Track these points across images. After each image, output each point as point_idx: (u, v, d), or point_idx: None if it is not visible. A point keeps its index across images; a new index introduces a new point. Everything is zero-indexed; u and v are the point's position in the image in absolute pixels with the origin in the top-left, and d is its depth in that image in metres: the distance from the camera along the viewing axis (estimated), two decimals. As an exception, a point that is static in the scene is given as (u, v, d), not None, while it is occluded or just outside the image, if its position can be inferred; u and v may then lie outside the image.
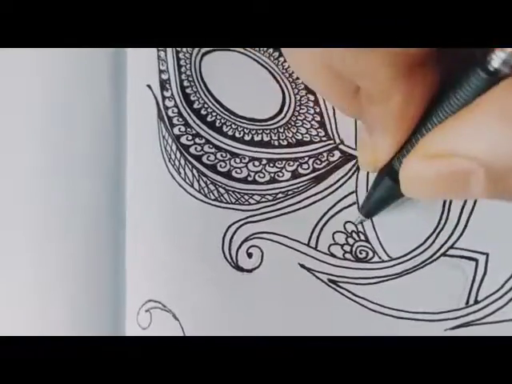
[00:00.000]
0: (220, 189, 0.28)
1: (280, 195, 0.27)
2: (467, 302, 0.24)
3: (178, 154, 0.28)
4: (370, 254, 0.26)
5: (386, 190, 0.24)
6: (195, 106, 0.29)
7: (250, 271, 0.26)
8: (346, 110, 0.24)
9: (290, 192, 0.27)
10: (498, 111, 0.17)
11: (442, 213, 0.25)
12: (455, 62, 0.20)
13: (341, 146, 0.27)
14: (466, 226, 0.25)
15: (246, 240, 0.27)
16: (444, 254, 0.25)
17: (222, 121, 0.29)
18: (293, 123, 0.28)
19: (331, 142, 0.28)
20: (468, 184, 0.18)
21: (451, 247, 0.25)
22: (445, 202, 0.26)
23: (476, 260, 0.25)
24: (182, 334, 0.26)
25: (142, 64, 0.30)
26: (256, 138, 0.28)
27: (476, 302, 0.24)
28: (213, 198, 0.27)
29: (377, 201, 0.25)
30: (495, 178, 0.17)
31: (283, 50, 0.26)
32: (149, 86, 0.29)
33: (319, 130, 0.28)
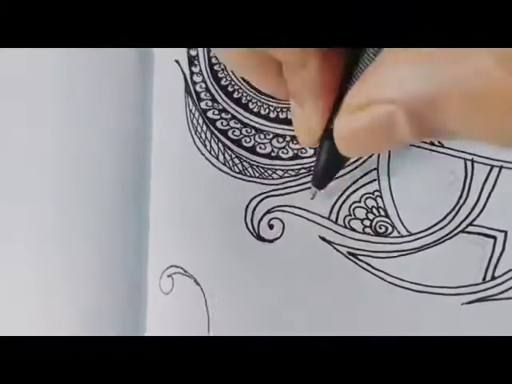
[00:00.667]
0: (244, 163, 0.28)
1: (302, 171, 0.28)
2: (484, 278, 0.25)
3: (205, 128, 0.29)
4: (390, 229, 0.26)
5: (329, 154, 0.24)
6: (222, 82, 0.30)
7: (271, 241, 0.27)
8: (279, 92, 0.25)
9: (312, 168, 0.28)
10: (404, 53, 0.17)
11: (463, 190, 0.26)
12: None
13: (364, 125, 0.28)
14: (485, 203, 0.26)
15: (267, 212, 0.27)
16: (463, 231, 0.25)
17: (248, 98, 0.29)
18: (317, 102, 0.29)
19: (354, 120, 0.28)
20: (393, 129, 0.18)
21: (470, 224, 0.25)
22: (465, 180, 0.26)
23: (494, 237, 0.25)
24: (203, 300, 0.26)
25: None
26: (281, 116, 0.29)
27: (493, 277, 0.25)
28: (237, 171, 0.28)
29: (323, 168, 0.25)
30: (417, 117, 0.17)
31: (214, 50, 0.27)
32: (177, 62, 0.30)
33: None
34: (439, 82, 0.16)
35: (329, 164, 0.24)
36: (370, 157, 0.27)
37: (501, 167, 0.26)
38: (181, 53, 0.30)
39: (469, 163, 0.26)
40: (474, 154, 0.26)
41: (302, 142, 0.26)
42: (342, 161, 0.25)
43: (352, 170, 0.27)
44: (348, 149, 0.21)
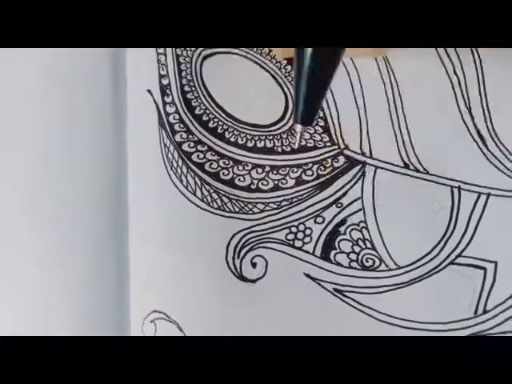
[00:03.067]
0: (223, 197, 0.27)
1: (284, 203, 0.27)
2: (476, 312, 0.24)
3: (180, 162, 0.28)
4: (377, 262, 0.25)
5: (313, 63, 0.20)
6: (197, 111, 0.29)
7: (254, 281, 0.26)
8: None
9: (294, 199, 0.27)
10: None
11: (450, 219, 0.25)
12: None
13: (345, 151, 0.27)
14: (474, 233, 0.25)
15: (250, 250, 0.26)
16: (452, 263, 0.25)
17: (225, 127, 0.28)
18: (296, 129, 0.28)
19: (335, 147, 0.27)
20: None
21: (459, 255, 0.25)
22: (452, 209, 0.25)
23: (484, 268, 0.24)
24: (186, 346, 0.25)
25: (142, 68, 0.29)
26: (259, 145, 0.28)
27: (485, 311, 0.24)
28: (216, 206, 0.27)
29: (309, 85, 0.20)
30: None
31: None
32: (149, 91, 0.29)
33: (323, 135, 0.27)
34: None
35: (315, 77, 0.20)
36: (354, 185, 0.26)
37: (488, 194, 0.25)
38: (153, 81, 0.29)
39: (455, 191, 0.25)
40: (461, 181, 0.25)
41: (276, 55, 0.23)
42: (328, 71, 0.20)
43: (336, 200, 0.26)
44: None
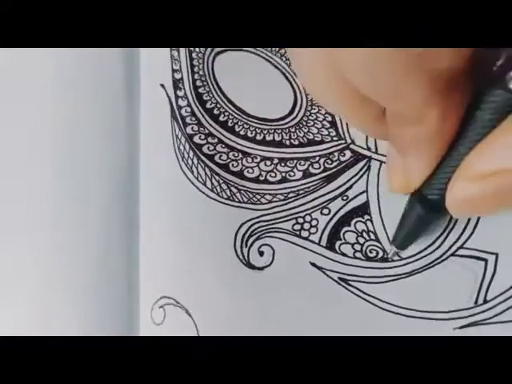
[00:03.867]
0: (232, 188, 0.28)
1: (291, 194, 0.28)
2: (476, 302, 0.25)
3: (191, 153, 0.29)
4: (381, 253, 0.26)
5: (418, 219, 0.23)
6: (208, 105, 0.29)
7: (261, 269, 0.27)
8: (371, 132, 0.24)
9: (301, 191, 0.28)
10: None
11: (452, 213, 0.26)
12: (475, 80, 0.19)
13: (352, 146, 0.28)
14: (475, 225, 0.25)
15: (257, 239, 0.27)
16: (454, 254, 0.25)
17: (235, 120, 0.29)
18: (304, 123, 0.28)
19: (342, 141, 0.28)
20: None
21: (461, 247, 0.25)
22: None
23: (485, 260, 0.25)
24: (195, 330, 0.26)
25: (156, 63, 0.30)
26: (268, 138, 0.29)
27: (485, 301, 0.24)
28: (225, 196, 0.28)
29: (409, 231, 0.24)
30: None
31: (300, 78, 0.26)
32: (162, 86, 0.30)
33: (330, 129, 0.28)
34: None
35: (416, 228, 0.24)
36: (359, 179, 0.27)
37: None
38: (166, 76, 0.30)
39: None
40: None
41: (391, 188, 0.24)
42: (431, 225, 0.24)
43: (342, 193, 0.27)
44: (465, 213, 0.21)
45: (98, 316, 0.27)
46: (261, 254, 0.27)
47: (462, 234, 0.25)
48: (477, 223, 0.25)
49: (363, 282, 0.26)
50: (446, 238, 0.26)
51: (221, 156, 0.29)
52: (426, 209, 0.22)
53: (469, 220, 0.26)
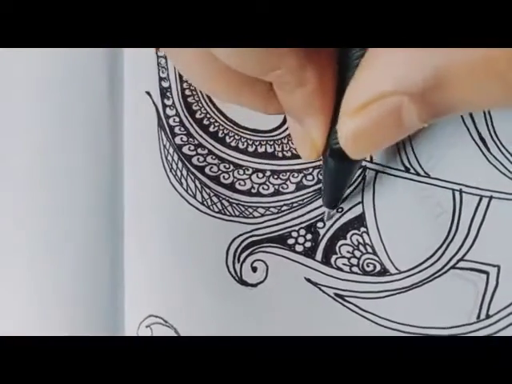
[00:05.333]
0: (223, 201, 0.27)
1: (285, 207, 0.27)
2: (478, 317, 0.24)
3: (180, 164, 0.28)
4: (378, 267, 0.25)
5: (335, 172, 0.23)
6: (197, 115, 0.29)
7: (254, 285, 0.25)
8: (269, 109, 0.24)
9: (294, 204, 0.27)
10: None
11: (452, 223, 0.25)
12: None
13: (346, 157, 0.27)
14: (476, 237, 0.24)
15: (250, 254, 0.26)
16: (454, 267, 0.24)
17: (225, 131, 0.28)
18: (297, 133, 0.28)
19: (336, 152, 0.27)
20: (400, 119, 0.18)
21: (461, 259, 0.24)
22: (454, 213, 0.25)
23: (487, 273, 0.24)
24: (184, 351, 0.25)
25: (141, 70, 0.29)
26: (260, 150, 0.28)
27: (487, 316, 0.24)
28: (216, 210, 0.27)
29: (332, 187, 0.24)
30: (423, 100, 0.17)
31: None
32: (148, 93, 0.29)
33: (324, 140, 0.27)
34: (441, 58, 0.16)
35: (336, 182, 0.24)
36: (354, 190, 0.26)
37: (490, 197, 0.25)
38: (152, 83, 0.29)
39: (457, 194, 0.25)
40: (462, 184, 0.25)
41: (304, 157, 0.25)
42: (348, 175, 0.24)
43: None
44: (357, 151, 0.20)
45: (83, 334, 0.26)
46: (254, 269, 0.26)
47: (462, 245, 0.25)
48: (477, 234, 0.25)
49: (360, 297, 0.25)
50: (445, 250, 0.25)
51: (211, 168, 0.28)
52: (336, 160, 0.22)
53: (469, 231, 0.25)
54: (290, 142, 0.28)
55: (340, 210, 0.26)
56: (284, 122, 0.28)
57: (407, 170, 0.26)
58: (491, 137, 0.25)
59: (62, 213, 0.27)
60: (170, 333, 0.25)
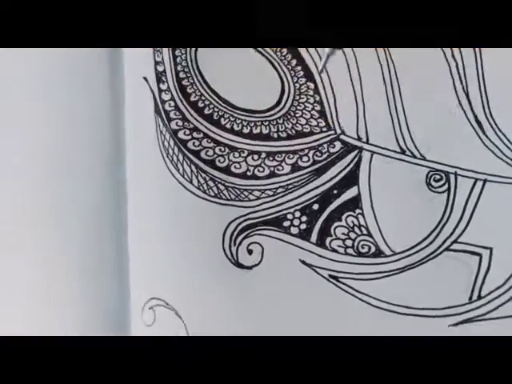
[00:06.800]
0: (219, 185, 0.27)
1: (280, 190, 0.27)
2: (470, 298, 0.24)
3: (176, 150, 0.28)
4: (373, 249, 0.25)
5: None
6: (192, 98, 0.28)
7: (250, 268, 0.26)
8: None
9: (290, 186, 0.27)
10: None
11: (446, 206, 0.25)
12: None
13: (342, 137, 0.27)
14: (469, 220, 0.24)
15: (246, 237, 0.26)
16: (447, 249, 0.24)
17: (220, 113, 0.28)
18: (292, 113, 0.27)
19: (332, 132, 0.27)
20: None
21: (455, 242, 0.24)
22: (449, 195, 0.25)
23: (480, 255, 0.24)
24: (184, 331, 0.26)
25: (139, 55, 0.29)
26: (255, 131, 0.28)
27: (479, 297, 0.24)
28: (212, 194, 0.27)
29: None
30: None
31: None
32: (145, 79, 0.29)
33: (319, 120, 0.27)
34: None
35: None
36: (350, 171, 0.26)
37: (485, 180, 0.24)
38: (149, 68, 0.29)
39: (452, 176, 0.25)
40: (458, 167, 0.25)
41: None
42: None
43: (332, 186, 0.26)
44: None
45: (90, 318, 0.27)
46: (250, 252, 0.26)
47: (455, 228, 0.25)
48: (471, 217, 0.25)
49: (354, 278, 0.25)
50: (439, 232, 0.25)
51: (207, 151, 0.28)
52: None
53: (463, 214, 0.25)
54: (285, 122, 0.27)
55: (336, 191, 0.26)
56: (279, 101, 0.28)
57: (403, 152, 0.26)
58: (487, 120, 0.24)
59: (64, 199, 0.28)
60: (171, 314, 0.26)
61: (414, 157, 0.26)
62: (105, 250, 0.27)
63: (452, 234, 0.25)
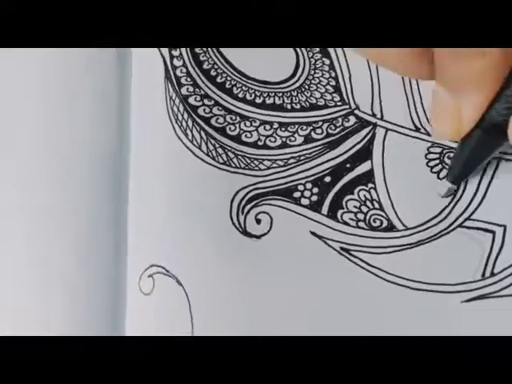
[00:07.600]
0: (229, 153, 0.26)
1: (291, 160, 0.26)
2: (483, 275, 0.24)
3: (186, 115, 0.27)
4: (385, 223, 0.25)
5: (478, 144, 0.22)
6: (205, 66, 0.28)
7: (258, 237, 0.25)
8: (411, 71, 0.22)
9: (302, 157, 0.26)
10: None
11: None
12: None
13: (356, 112, 0.26)
14: (483, 197, 0.24)
15: (254, 206, 0.25)
16: (461, 226, 0.24)
17: (233, 82, 0.27)
18: (307, 87, 0.27)
19: (346, 106, 0.27)
20: None
21: (468, 218, 0.24)
22: (463, 172, 0.25)
23: (493, 232, 0.24)
24: (186, 302, 0.24)
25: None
26: (268, 101, 0.27)
27: (492, 274, 0.23)
28: (221, 161, 0.26)
29: (468, 160, 0.23)
30: None
31: None
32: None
33: (334, 94, 0.27)
34: None
35: (475, 155, 0.23)
36: (364, 146, 0.26)
37: (499, 159, 0.25)
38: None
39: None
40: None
41: (439, 134, 0.23)
42: (494, 151, 0.23)
43: (345, 160, 0.26)
44: None
45: (83, 288, 0.25)
46: (258, 221, 0.25)
47: (469, 205, 0.24)
48: (485, 194, 0.24)
49: (366, 252, 0.24)
50: (452, 208, 0.25)
51: (217, 119, 0.27)
52: (489, 134, 0.21)
53: (477, 191, 0.25)
54: (299, 95, 0.27)
55: (348, 165, 0.26)
56: (293, 74, 0.27)
57: (417, 130, 0.26)
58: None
59: (64, 164, 0.26)
60: (172, 283, 0.25)
61: (428, 134, 0.26)
62: (102, 215, 0.26)
63: (465, 210, 0.24)
